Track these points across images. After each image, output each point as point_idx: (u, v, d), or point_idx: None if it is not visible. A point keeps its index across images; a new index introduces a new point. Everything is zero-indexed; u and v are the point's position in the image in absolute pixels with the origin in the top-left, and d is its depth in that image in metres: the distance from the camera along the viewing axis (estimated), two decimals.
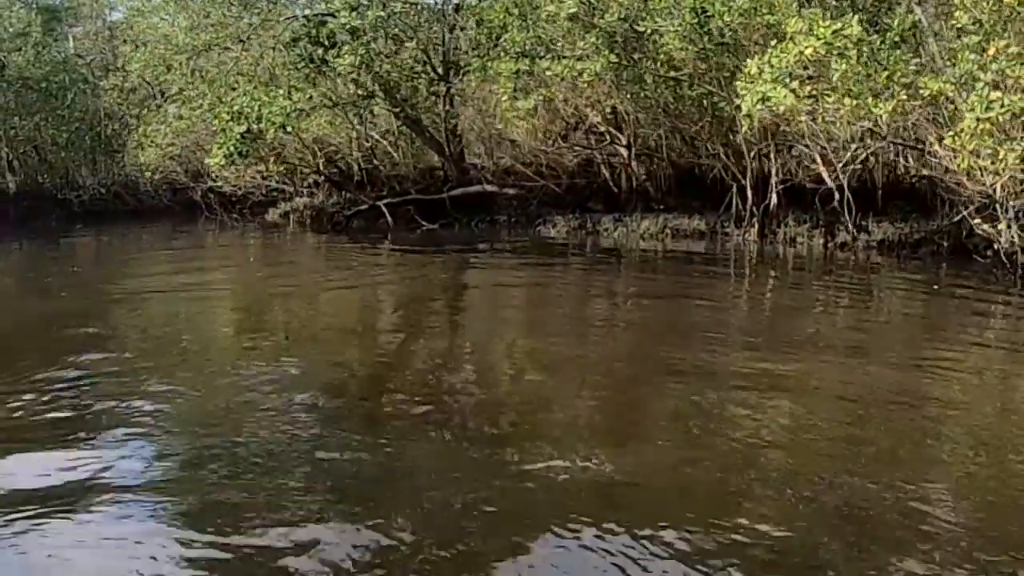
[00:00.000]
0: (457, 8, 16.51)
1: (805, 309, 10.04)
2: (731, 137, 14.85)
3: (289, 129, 16.12)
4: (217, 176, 19.76)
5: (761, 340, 7.94)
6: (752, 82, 11.55)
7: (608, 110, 15.92)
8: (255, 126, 15.75)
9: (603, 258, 14.38)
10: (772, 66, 11.44)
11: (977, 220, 10.54)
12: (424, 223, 17.74)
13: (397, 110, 17.39)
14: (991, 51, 10.27)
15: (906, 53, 12.62)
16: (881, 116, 11.25)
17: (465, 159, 18.69)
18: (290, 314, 10.35)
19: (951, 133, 10.37)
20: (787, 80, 11.12)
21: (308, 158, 20.97)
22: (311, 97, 16.08)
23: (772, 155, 14.55)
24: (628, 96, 15.13)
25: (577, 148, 17.04)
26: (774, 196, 14.42)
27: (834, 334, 8.35)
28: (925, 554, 3.73)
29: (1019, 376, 6.84)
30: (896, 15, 13.07)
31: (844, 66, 11.13)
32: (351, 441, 5.35)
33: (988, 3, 10.77)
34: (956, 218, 11.77)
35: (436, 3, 16.52)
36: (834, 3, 13.85)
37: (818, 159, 13.43)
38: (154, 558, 3.87)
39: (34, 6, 26.05)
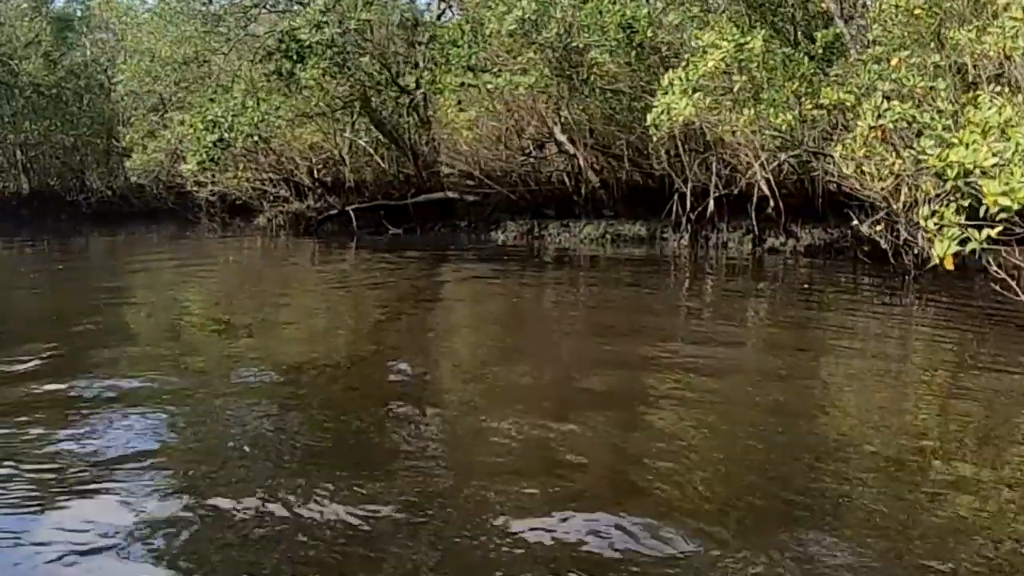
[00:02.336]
0: (416, 25, 17.27)
1: (713, 307, 10.81)
2: (677, 146, 15.41)
3: (256, 138, 16.97)
4: (196, 180, 20.69)
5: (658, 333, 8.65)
6: (665, 94, 12.15)
7: (560, 121, 16.56)
8: (227, 135, 16.65)
9: (546, 262, 14.92)
10: (682, 79, 12.03)
11: (855, 223, 11.04)
12: (390, 227, 18.56)
13: (367, 120, 18.22)
14: (894, 61, 10.70)
15: (831, 66, 13.15)
16: (781, 126, 11.81)
17: (435, 167, 19.45)
18: (254, 307, 11.07)
19: (844, 140, 10.88)
20: (691, 92, 11.68)
21: (300, 164, 21.88)
22: (278, 108, 16.89)
23: (713, 164, 15.10)
24: (576, 107, 15.78)
25: (533, 158, 17.71)
26: (711, 202, 14.95)
27: (712, 328, 9.00)
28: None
29: (892, 362, 7.43)
30: (826, 30, 13.60)
31: (743, 78, 11.69)
32: (322, 419, 5.83)
33: (898, 17, 11.31)
34: (865, 223, 12.24)
35: (396, 20, 17.26)
36: (771, 18, 14.46)
37: (755, 166, 13.96)
38: (133, 533, 4.07)
39: (47, 16, 27.19)
